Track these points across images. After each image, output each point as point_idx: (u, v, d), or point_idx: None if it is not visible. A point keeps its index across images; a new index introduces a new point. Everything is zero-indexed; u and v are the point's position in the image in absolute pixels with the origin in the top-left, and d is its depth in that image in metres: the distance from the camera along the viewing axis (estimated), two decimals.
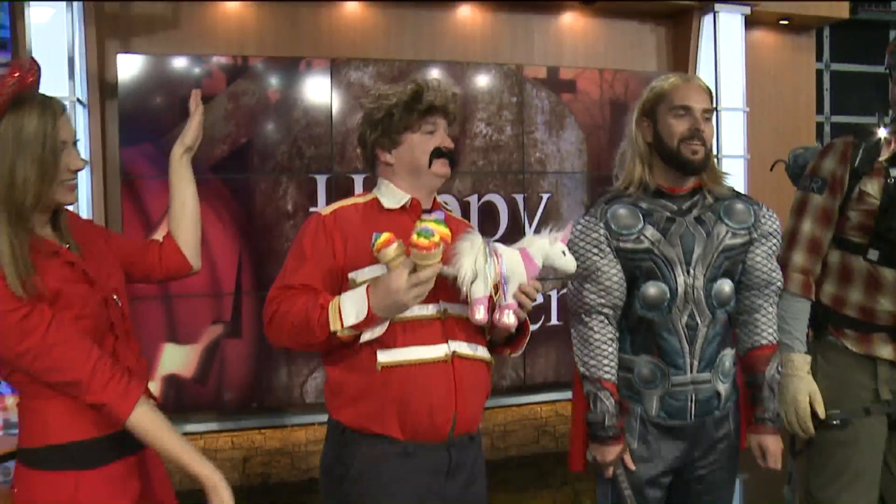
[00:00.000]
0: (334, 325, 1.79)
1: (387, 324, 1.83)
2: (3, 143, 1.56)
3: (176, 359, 4.23)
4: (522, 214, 4.77)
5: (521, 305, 1.84)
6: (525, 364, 4.80)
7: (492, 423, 4.79)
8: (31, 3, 3.94)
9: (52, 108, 1.61)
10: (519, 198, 4.76)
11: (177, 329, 4.24)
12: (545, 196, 4.82)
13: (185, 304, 4.22)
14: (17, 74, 1.58)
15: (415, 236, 1.70)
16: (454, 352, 1.89)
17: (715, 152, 3.73)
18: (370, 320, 1.78)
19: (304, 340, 1.86)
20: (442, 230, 1.73)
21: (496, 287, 1.80)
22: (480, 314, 1.80)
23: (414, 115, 1.95)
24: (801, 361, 2.27)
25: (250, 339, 4.31)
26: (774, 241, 2.15)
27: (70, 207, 1.77)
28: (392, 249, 1.74)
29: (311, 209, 4.33)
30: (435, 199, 2.07)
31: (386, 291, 1.75)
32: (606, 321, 2.10)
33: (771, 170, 2.92)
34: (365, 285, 1.81)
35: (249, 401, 4.36)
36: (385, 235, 1.75)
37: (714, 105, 2.14)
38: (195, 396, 4.28)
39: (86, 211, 4.11)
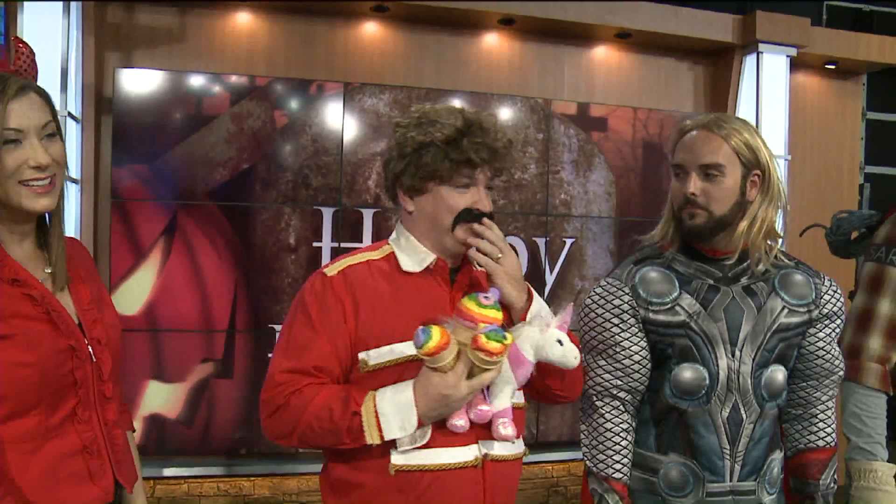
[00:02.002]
0: (371, 438, 1.46)
1: (430, 430, 1.50)
2: None
3: (160, 397, 3.93)
4: (544, 260, 4.43)
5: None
6: (538, 420, 4.45)
7: None
8: (27, 7, 3.65)
9: None
10: (541, 241, 4.43)
11: (163, 366, 3.93)
12: (569, 241, 4.49)
13: (174, 340, 3.91)
14: None
15: (483, 339, 1.40)
16: (486, 454, 1.55)
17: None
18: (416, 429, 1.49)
19: (324, 444, 1.52)
20: (500, 317, 1.45)
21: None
22: (461, 421, 1.50)
23: (447, 162, 1.56)
24: (886, 472, 1.89)
25: (242, 380, 4.00)
26: (838, 321, 1.80)
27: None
28: (449, 353, 1.42)
29: (315, 244, 4.04)
30: (465, 257, 1.68)
31: (441, 399, 1.44)
32: (622, 408, 1.75)
33: (801, 235, 2.59)
34: (410, 388, 1.48)
35: (238, 445, 4.05)
36: (437, 336, 1.41)
37: (739, 153, 1.71)
38: (180, 438, 3.97)
39: (74, 231, 3.82)
